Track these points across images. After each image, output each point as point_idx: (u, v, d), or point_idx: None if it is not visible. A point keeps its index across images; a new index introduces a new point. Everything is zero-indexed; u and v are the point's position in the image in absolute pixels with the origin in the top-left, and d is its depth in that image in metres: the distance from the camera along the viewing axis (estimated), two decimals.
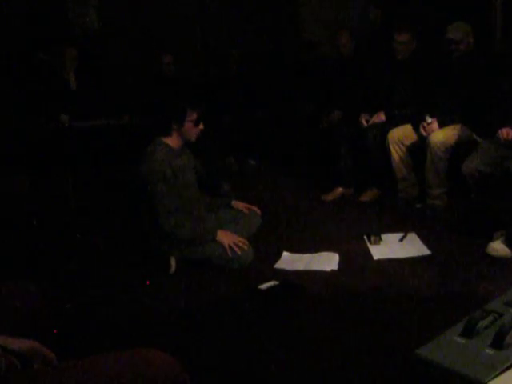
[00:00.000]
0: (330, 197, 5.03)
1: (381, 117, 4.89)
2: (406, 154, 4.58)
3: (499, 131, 3.72)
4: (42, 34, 6.09)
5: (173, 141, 3.53)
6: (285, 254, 3.74)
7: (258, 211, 3.90)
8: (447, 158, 4.28)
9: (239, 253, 3.47)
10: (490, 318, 2.07)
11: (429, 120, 4.38)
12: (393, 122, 4.75)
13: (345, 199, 5.01)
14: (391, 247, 3.75)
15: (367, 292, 3.12)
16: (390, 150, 4.58)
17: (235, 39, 7.00)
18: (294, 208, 4.85)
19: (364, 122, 4.94)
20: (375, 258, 3.60)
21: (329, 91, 5.70)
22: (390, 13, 5.80)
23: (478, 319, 2.04)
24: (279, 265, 3.59)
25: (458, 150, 4.22)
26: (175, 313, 3.00)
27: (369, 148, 4.82)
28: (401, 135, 4.58)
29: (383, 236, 3.87)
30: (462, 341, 1.99)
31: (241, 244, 3.50)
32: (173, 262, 3.53)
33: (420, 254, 3.60)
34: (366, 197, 4.91)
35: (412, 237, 3.87)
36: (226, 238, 3.50)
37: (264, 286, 3.16)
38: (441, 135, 4.29)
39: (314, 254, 3.68)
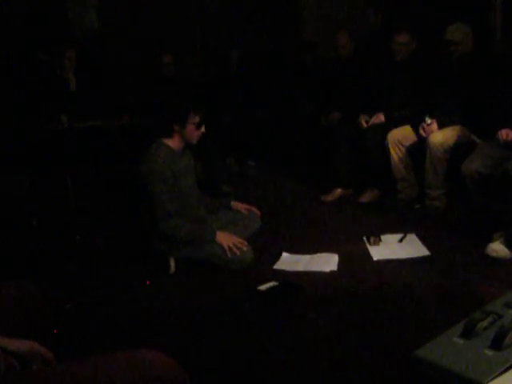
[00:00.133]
0: (329, 197, 5.03)
1: (380, 118, 4.90)
2: (406, 154, 4.58)
3: (498, 132, 3.73)
4: (41, 34, 6.09)
5: (174, 142, 3.54)
6: (284, 254, 3.74)
7: (258, 212, 3.90)
8: (447, 158, 4.28)
9: (238, 254, 3.47)
10: (490, 319, 2.08)
11: (428, 121, 4.38)
12: (392, 122, 4.76)
13: (344, 200, 5.01)
14: (391, 248, 3.75)
15: (367, 293, 3.12)
16: (389, 150, 4.58)
17: (235, 39, 7.00)
18: (293, 209, 4.86)
19: (363, 122, 4.95)
20: (375, 258, 3.60)
21: (328, 92, 5.70)
22: (390, 14, 5.80)
23: (477, 320, 2.05)
24: (278, 265, 3.59)
25: (458, 151, 4.22)
26: (175, 313, 3.00)
27: (368, 149, 4.83)
28: (400, 136, 4.58)
29: (383, 237, 3.88)
30: (462, 342, 2.00)
31: (240, 245, 3.50)
32: (172, 263, 3.53)
33: (419, 254, 3.60)
34: (366, 197, 4.91)
35: (411, 237, 3.88)
36: (225, 239, 3.50)
37: (263, 287, 3.16)
38: (440, 136, 4.30)
39: (313, 255, 3.69)
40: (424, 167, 4.39)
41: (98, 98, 5.70)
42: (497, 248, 3.41)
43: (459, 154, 4.13)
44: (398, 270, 3.40)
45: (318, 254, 3.69)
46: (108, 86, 6.08)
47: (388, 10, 5.82)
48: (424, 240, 3.80)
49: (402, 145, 4.57)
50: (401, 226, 4.10)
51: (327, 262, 3.54)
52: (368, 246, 3.80)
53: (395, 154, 4.58)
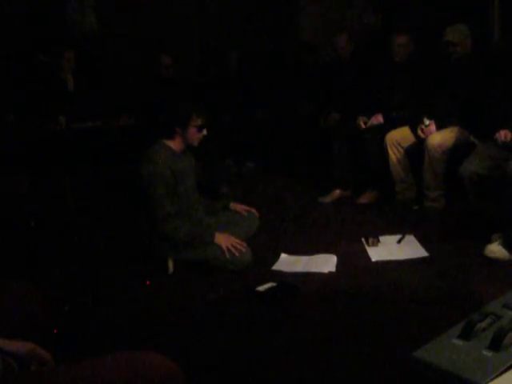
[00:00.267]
0: (327, 199, 5.04)
1: (379, 119, 4.91)
2: (404, 156, 4.59)
3: (497, 133, 3.74)
4: (41, 34, 6.08)
5: (175, 144, 3.55)
6: (282, 255, 3.74)
7: (257, 213, 3.90)
8: (445, 160, 4.30)
9: (237, 255, 3.48)
10: (488, 320, 2.09)
11: (427, 122, 4.39)
12: (391, 124, 4.77)
13: (343, 201, 5.02)
14: (389, 249, 3.75)
15: (365, 294, 3.12)
16: (387, 152, 4.59)
17: (235, 39, 7.00)
18: (291, 210, 4.86)
19: (362, 124, 4.96)
20: (373, 259, 3.61)
21: (327, 93, 5.71)
22: (389, 15, 5.81)
23: (476, 321, 2.06)
24: (277, 266, 3.60)
25: (456, 152, 4.23)
26: (174, 313, 3.01)
27: (367, 150, 4.83)
28: (399, 137, 4.59)
29: (381, 238, 3.89)
30: (460, 343, 2.00)
31: (239, 246, 3.50)
32: (171, 264, 3.54)
33: (418, 255, 3.61)
34: (364, 199, 4.92)
35: (410, 239, 3.88)
36: (224, 240, 3.51)
37: (262, 288, 3.16)
38: (438, 137, 4.31)
39: (311, 256, 3.69)
40: (422, 168, 4.40)
41: (96, 99, 5.70)
42: (495, 249, 3.42)
43: (457, 156, 4.14)
44: (397, 271, 3.41)
45: (317, 255, 3.69)
46: (107, 86, 6.08)
47: (387, 11, 5.83)
48: (422, 241, 3.80)
49: (400, 146, 4.58)
50: (399, 227, 4.11)
51: (325, 263, 3.54)
52: (366, 247, 3.81)
53: (394, 155, 4.59)
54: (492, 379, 1.79)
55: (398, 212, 4.54)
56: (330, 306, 3.01)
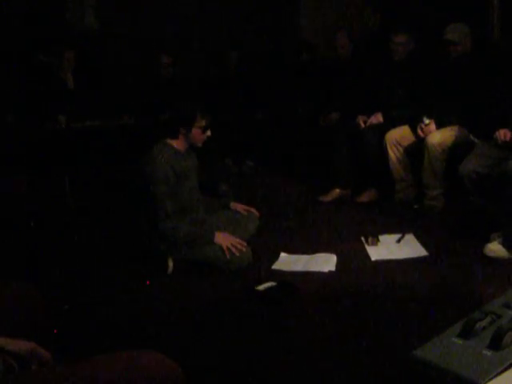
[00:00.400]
0: (327, 198, 5.03)
1: (378, 118, 4.91)
2: (404, 155, 4.59)
3: (496, 132, 3.74)
4: (41, 34, 6.08)
5: (178, 143, 3.55)
6: (282, 254, 3.75)
7: (257, 213, 3.90)
8: (444, 159, 4.30)
9: (237, 254, 3.48)
10: (488, 320, 2.08)
11: (426, 121, 4.40)
12: (390, 123, 4.77)
13: (342, 200, 5.01)
14: (389, 248, 3.76)
15: (365, 293, 3.13)
16: (387, 151, 4.59)
17: (234, 39, 7.00)
18: (291, 209, 4.86)
19: (362, 123, 4.96)
20: (373, 259, 3.61)
21: (327, 92, 5.71)
22: (388, 14, 5.81)
23: (475, 320, 2.05)
24: (277, 266, 3.60)
25: (456, 151, 4.23)
26: (174, 313, 3.01)
27: (366, 149, 4.83)
28: (398, 136, 4.59)
29: (381, 237, 3.89)
30: (460, 342, 2.00)
31: (239, 246, 3.51)
32: (170, 263, 3.54)
33: (417, 255, 3.61)
34: (364, 198, 4.92)
35: (409, 238, 3.88)
36: (224, 239, 3.51)
37: (261, 287, 3.16)
38: (438, 136, 4.31)
39: (311, 255, 3.69)
40: (422, 167, 4.40)
41: (96, 98, 5.70)
42: (495, 248, 3.43)
43: (457, 154, 4.14)
44: (396, 270, 3.41)
45: (317, 254, 3.69)
46: (107, 86, 6.08)
47: (386, 10, 5.83)
48: (422, 240, 3.81)
49: (400, 145, 4.58)
50: (399, 226, 4.11)
51: (325, 262, 3.54)
52: (366, 246, 3.81)
53: (393, 154, 4.59)
54: (491, 378, 1.79)
55: (397, 211, 4.54)
56: (329, 305, 3.01)
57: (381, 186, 4.87)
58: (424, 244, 3.74)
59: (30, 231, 4.33)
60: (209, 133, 3.57)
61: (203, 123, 3.52)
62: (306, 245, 3.88)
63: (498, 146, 3.75)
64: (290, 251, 3.78)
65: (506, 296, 2.33)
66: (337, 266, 3.51)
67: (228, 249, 3.47)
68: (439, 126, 4.38)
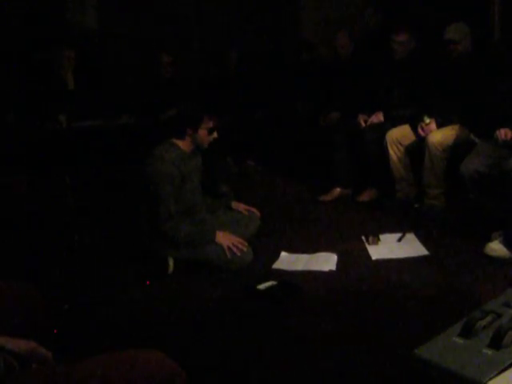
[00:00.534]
0: (328, 197, 5.03)
1: (379, 117, 4.90)
2: (404, 154, 4.59)
3: (497, 132, 3.74)
4: (41, 34, 6.08)
5: (184, 144, 3.55)
6: (283, 254, 3.74)
7: (258, 213, 3.90)
8: (445, 158, 4.29)
9: (238, 254, 3.48)
10: (489, 319, 2.08)
11: (427, 120, 4.39)
12: (391, 122, 4.76)
13: (343, 199, 5.01)
14: (389, 247, 3.75)
15: (365, 292, 3.13)
16: (388, 150, 4.59)
17: (234, 39, 6.99)
18: (292, 208, 4.87)
19: (362, 122, 4.95)
20: (373, 258, 3.61)
21: (327, 92, 5.71)
22: (389, 13, 5.81)
23: (476, 319, 2.05)
24: (277, 265, 3.60)
25: (456, 151, 4.23)
26: (175, 313, 3.01)
27: (367, 148, 4.83)
28: (399, 135, 4.59)
29: (381, 236, 3.89)
30: (461, 341, 2.00)
31: (240, 245, 3.51)
32: (171, 263, 3.53)
33: (418, 254, 3.61)
34: (364, 197, 4.92)
35: (410, 237, 3.88)
36: (225, 239, 3.51)
37: (262, 286, 3.17)
38: (439, 135, 4.30)
39: (312, 255, 3.69)
40: (423, 166, 4.40)
41: (96, 98, 5.70)
42: (495, 247, 3.42)
43: (458, 154, 4.13)
44: (397, 269, 3.41)
45: (317, 254, 3.69)
46: (107, 85, 6.08)
47: (387, 10, 5.83)
48: (423, 239, 3.81)
49: (400, 144, 4.57)
50: (399, 226, 4.11)
51: (326, 262, 3.54)
52: (367, 245, 3.81)
53: (394, 153, 4.58)
54: (492, 377, 1.79)
55: (398, 210, 4.53)
56: (330, 304, 3.01)
57: (381, 185, 4.86)
58: (425, 243, 3.74)
59: (30, 231, 4.32)
60: (215, 134, 3.57)
61: (210, 125, 3.52)
62: (307, 244, 3.88)
63: (498, 145, 3.74)
64: (290, 250, 3.78)
65: (506, 295, 2.33)
66: (337, 265, 3.51)
67: (229, 248, 3.47)
68: (440, 125, 4.37)
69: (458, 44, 4.44)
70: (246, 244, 3.56)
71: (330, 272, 3.42)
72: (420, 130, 4.42)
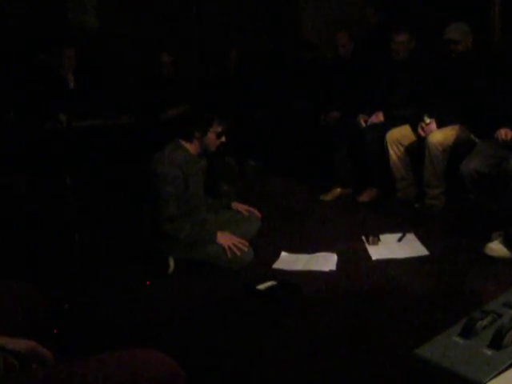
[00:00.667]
0: (328, 197, 5.04)
1: (379, 117, 4.90)
2: (405, 154, 4.59)
3: (497, 132, 3.74)
4: (41, 34, 6.08)
5: (192, 147, 3.55)
6: (283, 254, 3.74)
7: (259, 214, 3.90)
8: (445, 158, 4.29)
9: (239, 254, 3.48)
10: (489, 319, 2.08)
11: (427, 120, 4.39)
12: (391, 122, 4.76)
13: (343, 199, 5.01)
14: (389, 247, 3.75)
15: (365, 292, 3.13)
16: (388, 150, 4.59)
17: (234, 39, 6.99)
18: (292, 208, 4.86)
19: (362, 122, 4.95)
20: (373, 258, 3.61)
21: (328, 91, 5.71)
22: (389, 13, 5.81)
23: (476, 319, 2.05)
24: (277, 265, 3.60)
25: (457, 150, 4.23)
26: (175, 313, 3.01)
27: (367, 148, 4.83)
28: (399, 135, 4.59)
29: (381, 236, 3.89)
30: (461, 341, 2.00)
31: (241, 246, 3.51)
32: (171, 262, 3.53)
33: (418, 254, 3.61)
34: (365, 197, 4.91)
35: (410, 237, 3.88)
36: (225, 239, 3.51)
37: (262, 286, 3.16)
38: (439, 135, 4.30)
39: (312, 255, 3.69)
40: (423, 166, 4.40)
41: (97, 98, 5.70)
42: (496, 247, 3.42)
43: (458, 153, 4.13)
44: (397, 269, 3.41)
45: (317, 254, 3.69)
46: (107, 85, 6.08)
47: (387, 10, 5.82)
48: (423, 239, 3.80)
49: (400, 144, 4.57)
50: (399, 226, 4.11)
51: (326, 262, 3.54)
52: (367, 245, 3.81)
53: (394, 153, 4.58)
54: (492, 378, 1.78)
55: (398, 210, 4.53)
56: (330, 304, 3.01)
57: (382, 185, 4.86)
58: (425, 243, 3.73)
59: (30, 231, 4.32)
60: (223, 139, 3.57)
61: (219, 129, 3.53)
62: (307, 244, 3.87)
63: (498, 145, 3.74)
64: (290, 250, 3.78)
65: (506, 295, 2.33)
66: (337, 265, 3.51)
67: (230, 248, 3.47)
68: (440, 125, 4.37)
69: (458, 44, 4.44)
70: (247, 244, 3.56)
71: (330, 272, 3.42)
72: (420, 130, 4.42)
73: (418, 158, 4.49)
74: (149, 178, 3.50)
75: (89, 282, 3.45)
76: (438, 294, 3.03)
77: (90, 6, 6.85)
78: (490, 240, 3.49)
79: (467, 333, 2.02)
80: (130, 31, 6.69)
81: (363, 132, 4.88)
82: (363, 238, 3.90)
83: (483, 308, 2.19)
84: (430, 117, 4.39)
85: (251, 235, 3.79)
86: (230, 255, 3.46)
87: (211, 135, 3.52)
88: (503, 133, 3.70)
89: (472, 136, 4.20)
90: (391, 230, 4.01)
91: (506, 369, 1.82)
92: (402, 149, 4.57)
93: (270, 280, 3.23)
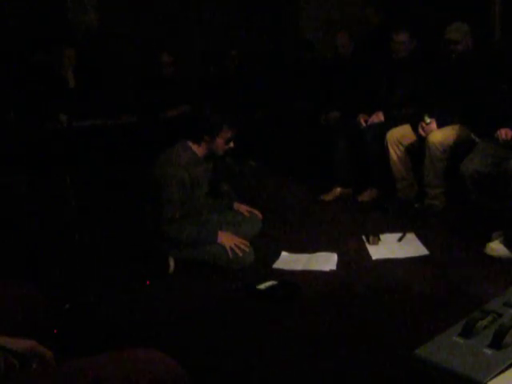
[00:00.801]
0: (328, 197, 5.03)
1: (379, 117, 4.90)
2: (405, 153, 4.58)
3: (498, 131, 3.74)
4: (41, 34, 6.09)
5: (199, 150, 3.54)
6: (283, 253, 3.74)
7: (260, 215, 3.90)
8: (446, 158, 4.29)
9: (240, 254, 3.48)
10: (489, 318, 2.08)
11: (427, 120, 4.38)
12: (391, 121, 4.76)
13: (343, 199, 5.01)
14: (390, 247, 3.75)
15: (366, 292, 3.13)
16: (388, 150, 4.58)
17: (234, 39, 6.99)
18: (292, 208, 4.86)
19: (362, 122, 4.95)
20: (374, 258, 3.60)
21: (328, 91, 5.71)
22: (389, 13, 5.81)
23: (477, 319, 2.05)
24: (278, 265, 3.60)
25: (457, 150, 4.23)
26: (175, 313, 3.00)
27: (367, 148, 4.82)
28: (399, 135, 4.59)
29: (382, 236, 3.88)
30: (461, 341, 2.00)
31: (242, 246, 3.51)
32: (171, 262, 3.53)
33: (418, 254, 3.61)
34: (365, 197, 4.91)
35: (410, 237, 3.88)
36: (227, 239, 3.51)
37: (263, 286, 3.16)
38: (439, 135, 4.30)
39: (312, 254, 3.69)
40: (423, 166, 4.39)
41: (97, 97, 5.70)
42: (496, 247, 3.42)
43: (458, 153, 4.13)
44: (397, 269, 3.41)
45: (318, 253, 3.69)
46: (107, 85, 6.08)
47: (387, 10, 5.82)
48: (423, 239, 3.80)
49: (401, 144, 4.57)
50: (400, 225, 4.10)
51: (326, 261, 3.54)
52: (367, 245, 3.81)
53: (394, 153, 4.58)
54: (493, 377, 1.78)
55: (398, 210, 4.53)
56: (330, 304, 3.01)
57: (382, 184, 4.86)
58: (425, 243, 3.73)
59: (30, 231, 4.32)
60: (232, 144, 3.57)
61: (228, 135, 3.51)
62: (307, 244, 3.87)
63: (499, 145, 3.74)
64: (291, 250, 3.78)
65: (506, 295, 2.33)
66: (338, 264, 3.51)
67: (231, 248, 3.47)
68: (440, 124, 4.37)
69: (459, 44, 4.44)
70: (248, 244, 3.56)
71: (331, 272, 3.42)
72: (420, 130, 4.42)
73: (418, 157, 4.49)
74: (151, 178, 3.49)
75: (89, 282, 3.45)
76: (438, 294, 3.03)
77: (90, 6, 6.86)
78: (490, 240, 3.50)
79: (467, 333, 2.02)
80: (130, 31, 6.70)
81: (363, 132, 4.87)
82: (363, 237, 3.90)
83: (483, 308, 2.19)
84: (431, 116, 4.39)
85: (252, 236, 3.79)
86: (231, 255, 3.46)
87: (220, 140, 3.51)
88: (503, 133, 3.70)
89: (472, 136, 4.19)
90: (391, 230, 4.01)
91: (507, 368, 1.82)
92: (402, 149, 4.57)
93: (270, 280, 3.23)
